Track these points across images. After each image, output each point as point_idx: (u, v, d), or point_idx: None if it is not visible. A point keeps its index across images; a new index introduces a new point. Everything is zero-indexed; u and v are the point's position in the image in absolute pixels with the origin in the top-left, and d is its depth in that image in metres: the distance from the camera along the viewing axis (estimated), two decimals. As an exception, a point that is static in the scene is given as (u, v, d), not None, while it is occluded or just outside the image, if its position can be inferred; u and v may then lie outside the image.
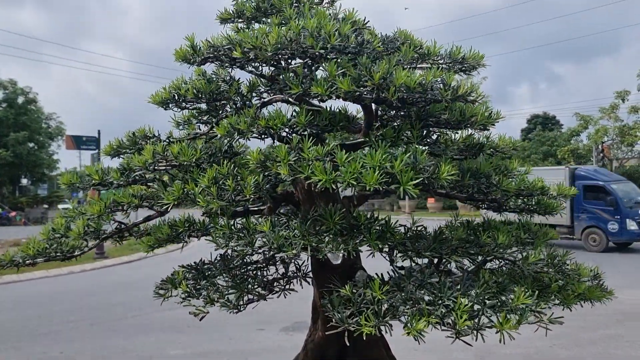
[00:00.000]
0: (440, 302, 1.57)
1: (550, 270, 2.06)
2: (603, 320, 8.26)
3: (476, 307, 1.56)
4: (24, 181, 36.62)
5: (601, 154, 29.57)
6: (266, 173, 1.92)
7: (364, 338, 2.52)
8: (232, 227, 1.88)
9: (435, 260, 1.91)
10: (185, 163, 2.09)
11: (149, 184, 2.39)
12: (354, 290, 1.69)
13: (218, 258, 2.31)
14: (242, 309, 2.04)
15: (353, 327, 1.53)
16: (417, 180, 1.56)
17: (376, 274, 1.84)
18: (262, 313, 8.99)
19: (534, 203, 2.60)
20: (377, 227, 1.85)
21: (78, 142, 29.41)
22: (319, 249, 1.69)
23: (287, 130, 2.07)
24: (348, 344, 1.58)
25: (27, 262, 2.35)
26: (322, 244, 1.70)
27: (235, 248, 1.76)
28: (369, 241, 1.77)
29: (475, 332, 1.54)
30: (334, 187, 1.57)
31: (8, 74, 50.29)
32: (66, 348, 7.25)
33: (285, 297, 2.33)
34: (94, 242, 2.45)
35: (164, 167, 2.20)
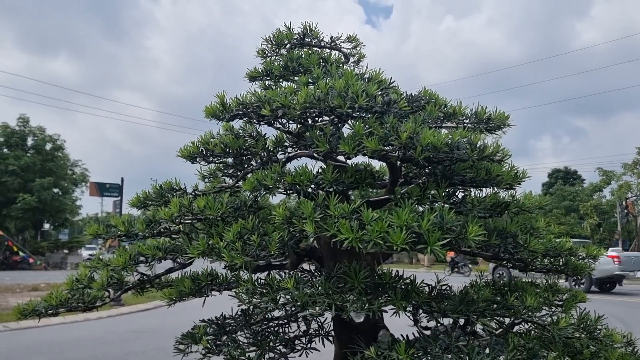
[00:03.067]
0: (469, 368, 1.51)
1: (582, 335, 1.98)
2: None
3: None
4: (46, 226, 37.06)
5: (625, 210, 29.00)
6: (291, 229, 1.92)
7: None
8: (255, 283, 1.87)
9: (462, 321, 1.86)
10: (211, 217, 2.11)
11: (173, 236, 2.40)
12: (379, 352, 1.65)
13: (239, 313, 2.29)
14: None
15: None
16: (444, 241, 1.55)
17: (401, 335, 1.79)
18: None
19: (561, 263, 2.54)
20: (402, 287, 1.82)
21: (101, 189, 29.92)
22: (344, 308, 1.67)
23: (313, 186, 2.08)
24: (373, 410, 1.52)
25: (50, 312, 2.35)
26: (346, 303, 1.67)
27: (259, 305, 1.74)
28: (393, 300, 1.74)
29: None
30: (360, 246, 1.56)
31: (38, 121, 51.94)
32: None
33: (307, 357, 2.28)
34: (116, 293, 2.45)
35: (189, 220, 2.22)
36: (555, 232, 2.51)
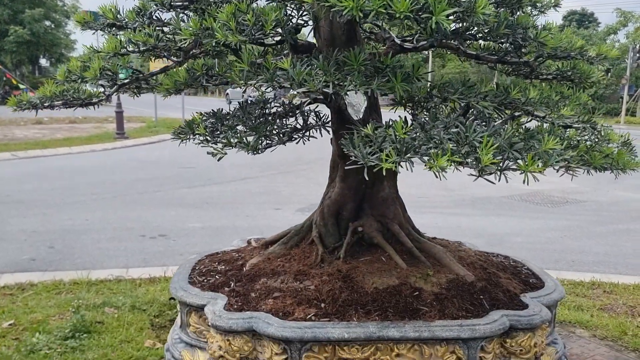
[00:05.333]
0: (465, 142, 1.51)
1: (581, 125, 1.97)
2: (617, 216, 8.32)
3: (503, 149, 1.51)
4: (43, 61, 36.43)
5: (638, 54, 28.07)
6: (287, 8, 1.80)
7: (380, 197, 2.53)
8: (251, 67, 1.81)
9: (463, 104, 1.83)
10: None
11: (165, 29, 2.28)
12: (376, 130, 1.64)
13: (237, 108, 2.26)
14: (260, 152, 2.02)
15: (373, 162, 1.50)
16: (451, 10, 1.44)
17: (399, 116, 1.78)
18: (280, 195, 9.22)
19: (569, 68, 2.46)
20: (403, 72, 1.76)
21: (95, 18, 28.72)
22: (342, 86, 1.62)
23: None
24: (367, 179, 1.56)
25: (45, 104, 2.32)
26: (344, 82, 1.63)
27: (254, 84, 1.70)
28: (393, 84, 1.69)
29: (499, 172, 1.49)
30: (360, 15, 1.45)
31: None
32: (90, 217, 7.56)
33: (304, 144, 2.31)
34: (111, 89, 2.40)
35: (180, 3, 2.08)
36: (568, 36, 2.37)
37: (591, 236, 7.21)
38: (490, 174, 1.48)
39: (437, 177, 1.48)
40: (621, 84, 28.86)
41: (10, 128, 18.27)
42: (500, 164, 1.46)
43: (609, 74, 29.75)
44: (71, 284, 4.86)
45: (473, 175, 1.53)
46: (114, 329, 3.92)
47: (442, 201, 9.03)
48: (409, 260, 2.36)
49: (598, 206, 8.98)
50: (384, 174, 1.50)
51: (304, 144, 2.28)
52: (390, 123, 1.64)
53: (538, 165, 1.45)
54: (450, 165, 1.47)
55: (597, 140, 2.11)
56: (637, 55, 28.06)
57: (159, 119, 20.09)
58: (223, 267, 2.59)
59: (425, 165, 1.48)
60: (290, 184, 10.26)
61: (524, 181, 1.51)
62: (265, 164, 12.52)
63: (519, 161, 1.49)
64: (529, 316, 2.11)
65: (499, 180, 1.52)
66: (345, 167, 1.55)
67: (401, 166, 1.50)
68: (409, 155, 1.48)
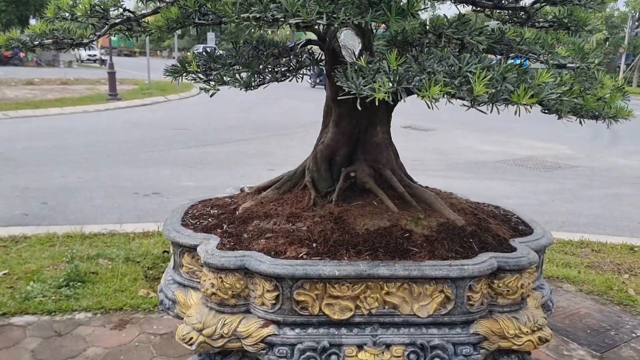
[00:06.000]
0: (458, 74, 1.50)
1: (577, 64, 1.97)
2: (609, 181, 8.40)
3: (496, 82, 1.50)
4: (33, 22, 35.67)
5: (637, 22, 27.78)
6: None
7: (373, 143, 2.53)
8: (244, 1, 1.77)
9: (457, 39, 1.81)
10: None
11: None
12: (369, 63, 1.63)
13: (230, 50, 2.24)
14: (252, 88, 2.00)
15: (366, 92, 1.49)
16: None
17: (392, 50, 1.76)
18: (274, 156, 9.22)
19: (565, 15, 2.44)
20: (399, 6, 1.73)
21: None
22: (335, 18, 1.60)
23: None
24: (359, 108, 1.55)
25: (35, 42, 2.28)
26: (338, 14, 1.60)
27: (246, 18, 1.67)
28: (388, 17, 1.66)
29: (491, 104, 1.49)
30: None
31: None
32: (83, 175, 7.53)
33: (297, 82, 2.30)
34: (102, 29, 2.36)
35: None
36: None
37: (582, 199, 7.29)
38: (482, 104, 1.48)
39: (429, 107, 1.48)
40: (619, 53, 28.68)
41: (1, 88, 18.02)
42: (493, 95, 1.46)
43: (607, 43, 29.53)
44: (65, 237, 4.88)
45: (465, 105, 1.53)
46: (108, 279, 3.96)
47: (436, 165, 9.06)
48: (400, 205, 2.38)
49: (590, 171, 9.05)
50: (377, 103, 1.50)
51: (297, 82, 2.27)
52: (384, 56, 1.62)
53: (530, 97, 1.45)
54: (443, 95, 1.46)
55: (590, 85, 2.10)
56: (637, 23, 27.79)
57: (152, 82, 19.85)
58: (216, 211, 2.60)
59: (417, 95, 1.48)
60: (284, 146, 10.24)
61: (515, 112, 1.51)
62: (260, 126, 12.47)
63: (511, 94, 1.49)
64: (517, 258, 2.15)
65: (491, 111, 1.52)
66: (338, 98, 1.55)
67: (395, 97, 1.50)
68: (402, 85, 1.48)
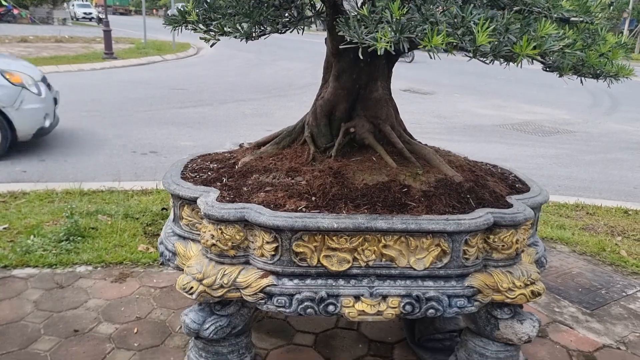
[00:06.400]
0: (462, 24, 1.49)
1: (581, 17, 1.95)
2: (606, 146, 8.41)
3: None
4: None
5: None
6: None
7: (373, 98, 2.52)
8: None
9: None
10: None
11: None
12: (372, 10, 1.61)
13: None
14: (253, 39, 1.98)
15: (369, 42, 1.48)
16: None
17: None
18: (272, 117, 9.18)
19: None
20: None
21: None
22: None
23: None
24: (362, 57, 1.54)
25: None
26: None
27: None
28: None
29: (493, 55, 1.49)
30: None
31: None
32: (81, 132, 7.51)
33: (299, 33, 2.27)
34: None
35: None
36: None
37: (579, 164, 7.32)
38: (485, 54, 1.47)
39: (431, 57, 1.47)
40: (622, 18, 28.24)
41: (-5, 46, 17.71)
42: (496, 46, 1.45)
43: (611, 7, 28.99)
44: (64, 194, 4.90)
45: (467, 56, 1.52)
46: (107, 235, 4.00)
47: (434, 128, 9.05)
48: (399, 161, 2.39)
49: (588, 136, 9.06)
50: (379, 53, 1.49)
51: (299, 33, 2.24)
52: (386, 4, 1.60)
53: (533, 49, 1.44)
54: (445, 45, 1.45)
55: (592, 41, 2.09)
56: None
57: (148, 41, 19.54)
58: (215, 165, 2.61)
59: (420, 45, 1.47)
60: (282, 107, 10.19)
61: (517, 64, 1.51)
62: (257, 87, 12.37)
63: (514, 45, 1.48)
64: (513, 214, 2.17)
65: (492, 63, 1.52)
66: (340, 47, 1.53)
67: (398, 49, 1.49)
68: (405, 34, 1.46)
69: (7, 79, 5.91)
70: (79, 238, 3.86)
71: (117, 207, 4.52)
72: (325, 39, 2.43)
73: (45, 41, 19.94)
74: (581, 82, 2.31)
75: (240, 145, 2.98)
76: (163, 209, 4.56)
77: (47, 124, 6.29)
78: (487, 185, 2.42)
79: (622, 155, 7.89)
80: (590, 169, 7.09)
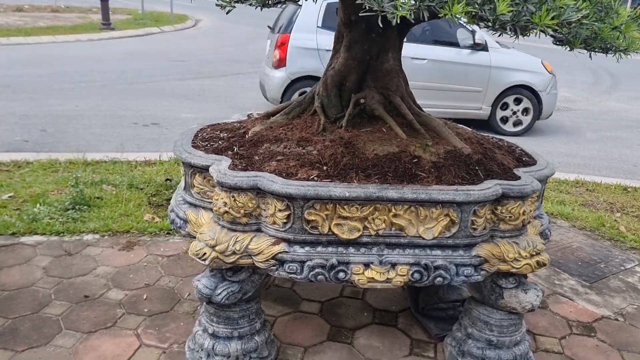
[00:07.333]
0: (481, -6, 1.50)
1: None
2: (607, 125, 8.44)
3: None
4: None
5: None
6: None
7: (384, 69, 2.53)
8: None
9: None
10: None
11: None
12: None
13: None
14: (269, 6, 1.98)
15: (388, 10, 1.49)
16: None
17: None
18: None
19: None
20: None
21: None
22: None
23: None
24: (381, 25, 1.55)
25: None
26: None
27: None
28: None
29: (512, 26, 1.50)
30: None
31: None
32: (81, 103, 7.47)
33: (314, 2, 2.26)
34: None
35: None
36: None
37: (579, 141, 7.35)
38: (504, 24, 1.48)
39: (450, 27, 1.48)
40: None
41: (-11, 15, 17.44)
42: (515, 15, 1.46)
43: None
44: (67, 164, 4.91)
45: (487, 27, 1.53)
46: (112, 204, 4.03)
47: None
48: (409, 132, 2.41)
49: (589, 114, 9.08)
50: (398, 22, 1.49)
51: (314, 2, 2.23)
52: (406, -26, 1.60)
53: (552, 19, 1.45)
54: (464, 14, 1.46)
55: (605, 15, 2.10)
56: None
57: (146, 12, 19.26)
58: (225, 134, 2.63)
59: (440, 14, 1.48)
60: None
61: (535, 34, 1.52)
62: (257, 61, 12.26)
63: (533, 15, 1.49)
64: (521, 186, 2.21)
65: (511, 36, 1.53)
66: (360, 14, 1.53)
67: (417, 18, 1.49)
68: (425, 3, 1.47)
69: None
70: (84, 207, 3.89)
71: (121, 178, 4.54)
72: (337, 8, 2.42)
73: (41, 10, 19.62)
74: (590, 56, 2.32)
75: (249, 116, 2.99)
76: (167, 179, 4.58)
77: None
78: (495, 158, 2.45)
79: (622, 134, 7.93)
80: (591, 146, 7.13)
